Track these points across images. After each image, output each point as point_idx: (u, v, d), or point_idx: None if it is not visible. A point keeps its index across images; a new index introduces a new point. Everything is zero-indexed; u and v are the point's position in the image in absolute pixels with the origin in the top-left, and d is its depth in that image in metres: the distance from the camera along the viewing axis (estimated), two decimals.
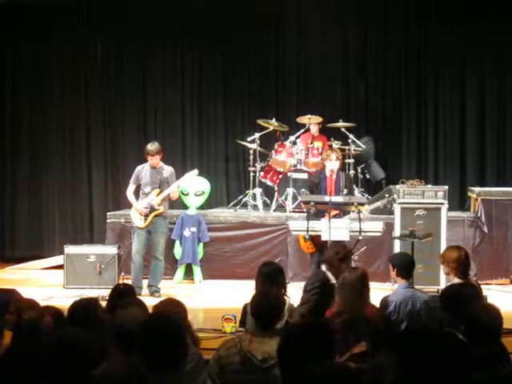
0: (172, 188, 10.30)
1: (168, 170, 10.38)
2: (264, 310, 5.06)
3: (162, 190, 10.26)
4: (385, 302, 6.52)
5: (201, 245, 11.47)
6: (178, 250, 11.42)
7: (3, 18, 13.20)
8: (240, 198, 12.39)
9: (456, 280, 6.72)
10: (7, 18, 13.24)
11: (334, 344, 4.01)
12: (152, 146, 10.27)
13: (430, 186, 11.18)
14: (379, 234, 9.18)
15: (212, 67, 13.50)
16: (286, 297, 6.56)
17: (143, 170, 10.37)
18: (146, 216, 10.24)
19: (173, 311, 4.91)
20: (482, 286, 9.80)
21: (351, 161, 12.22)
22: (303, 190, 11.32)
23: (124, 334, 4.48)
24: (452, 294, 5.69)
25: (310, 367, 3.40)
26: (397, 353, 4.05)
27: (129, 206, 10.72)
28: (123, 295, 5.74)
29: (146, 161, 10.38)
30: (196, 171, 10.73)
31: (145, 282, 10.34)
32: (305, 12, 13.35)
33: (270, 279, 6.49)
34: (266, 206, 12.27)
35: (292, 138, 12.25)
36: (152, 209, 10.24)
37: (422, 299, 6.50)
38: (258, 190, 12.27)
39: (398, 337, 4.28)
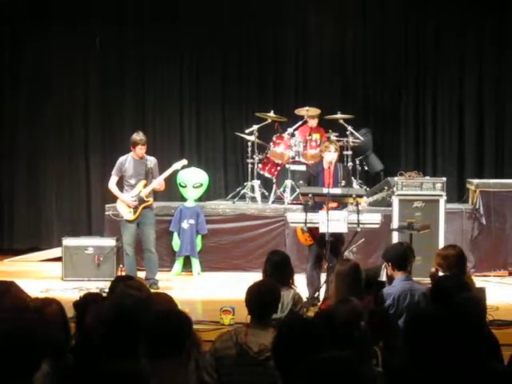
0: (159, 179, 10.24)
1: (152, 161, 10.27)
2: (257, 302, 5.06)
3: (148, 181, 10.21)
4: (382, 295, 6.47)
5: (199, 237, 11.47)
6: (176, 242, 11.42)
7: (2, 16, 13.17)
8: (238, 190, 12.38)
9: None
10: (6, 16, 13.22)
11: (326, 337, 4.02)
12: (140, 136, 10.13)
13: (428, 177, 11.19)
14: (377, 225, 9.15)
15: (210, 59, 13.47)
16: (293, 286, 6.55)
17: (126, 162, 10.22)
18: (135, 208, 10.18)
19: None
20: (479, 279, 9.85)
21: (349, 153, 12.21)
22: (301, 182, 11.31)
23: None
24: (439, 286, 5.69)
25: (311, 359, 3.40)
26: (405, 340, 4.07)
27: None
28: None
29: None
30: (184, 161, 10.64)
31: (139, 275, 10.28)
32: (303, 4, 13.35)
33: (280, 268, 6.48)
34: (265, 198, 12.26)
35: (290, 130, 12.23)
36: (141, 200, 10.17)
37: (420, 291, 6.46)
38: (257, 182, 12.26)
39: (405, 323, 4.29)
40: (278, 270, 6.45)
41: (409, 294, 6.40)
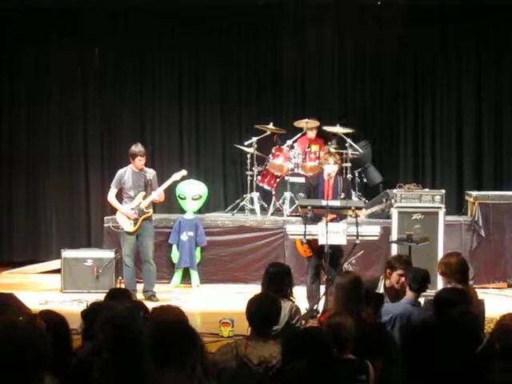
0: (159, 190, 10.25)
1: (151, 173, 10.30)
2: (258, 315, 5.06)
3: (148, 193, 10.22)
4: (382, 310, 6.39)
5: (198, 249, 11.47)
6: (175, 255, 11.41)
7: (1, 23, 13.20)
8: (237, 202, 12.38)
9: (459, 286, 6.62)
10: (5, 23, 13.25)
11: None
12: (139, 147, 10.16)
13: (427, 190, 11.18)
14: (376, 238, 9.15)
15: (209, 71, 13.50)
16: (291, 298, 6.54)
17: (125, 174, 10.23)
18: (135, 220, 10.18)
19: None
20: (478, 290, 9.83)
21: (348, 165, 12.21)
22: (301, 193, 11.31)
23: None
24: (438, 299, 5.67)
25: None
26: (403, 352, 4.08)
27: None
28: (117, 299, 5.69)
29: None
30: (184, 172, 10.65)
31: (138, 286, 10.28)
32: (302, 17, 13.38)
33: (277, 280, 6.46)
34: (264, 210, 12.26)
35: (289, 142, 12.25)
36: (141, 212, 10.18)
37: (420, 317, 6.34)
38: (256, 194, 12.27)
39: (403, 335, 4.29)
40: (275, 281, 6.43)
41: (406, 318, 6.26)
